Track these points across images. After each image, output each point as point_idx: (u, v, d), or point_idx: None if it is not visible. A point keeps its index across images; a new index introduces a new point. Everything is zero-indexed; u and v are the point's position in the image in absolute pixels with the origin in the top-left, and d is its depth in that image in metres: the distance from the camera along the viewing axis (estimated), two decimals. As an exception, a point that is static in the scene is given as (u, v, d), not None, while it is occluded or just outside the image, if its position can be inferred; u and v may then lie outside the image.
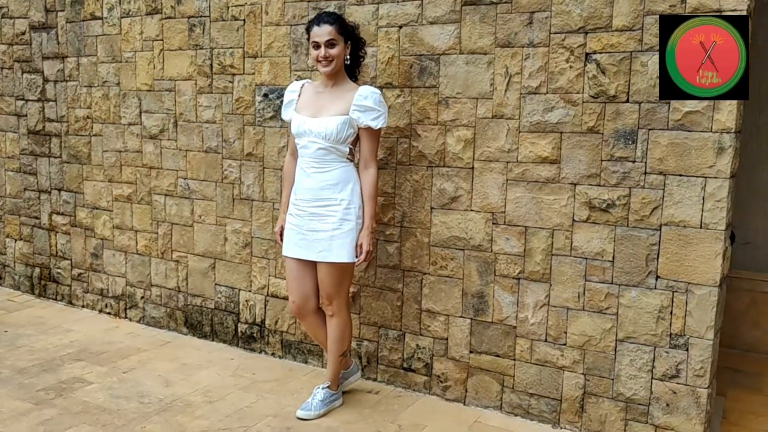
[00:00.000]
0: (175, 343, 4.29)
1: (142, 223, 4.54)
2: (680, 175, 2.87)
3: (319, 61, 3.17)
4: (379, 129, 3.20)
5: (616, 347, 3.08)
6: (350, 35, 3.23)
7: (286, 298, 3.95)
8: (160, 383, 3.66)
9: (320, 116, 3.18)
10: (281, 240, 3.40)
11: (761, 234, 4.35)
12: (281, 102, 3.56)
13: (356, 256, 3.19)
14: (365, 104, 3.13)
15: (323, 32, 3.13)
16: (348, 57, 3.23)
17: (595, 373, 3.13)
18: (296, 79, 3.64)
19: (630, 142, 2.95)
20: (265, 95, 3.91)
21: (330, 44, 3.14)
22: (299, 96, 3.32)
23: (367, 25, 3.49)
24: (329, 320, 3.33)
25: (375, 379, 3.73)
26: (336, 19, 3.19)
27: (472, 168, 3.33)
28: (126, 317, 4.71)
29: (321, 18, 3.18)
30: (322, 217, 3.18)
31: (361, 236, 3.19)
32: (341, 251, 3.17)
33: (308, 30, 3.22)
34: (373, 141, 3.21)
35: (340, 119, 3.13)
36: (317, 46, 3.15)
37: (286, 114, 3.37)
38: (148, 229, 4.51)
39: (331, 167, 3.18)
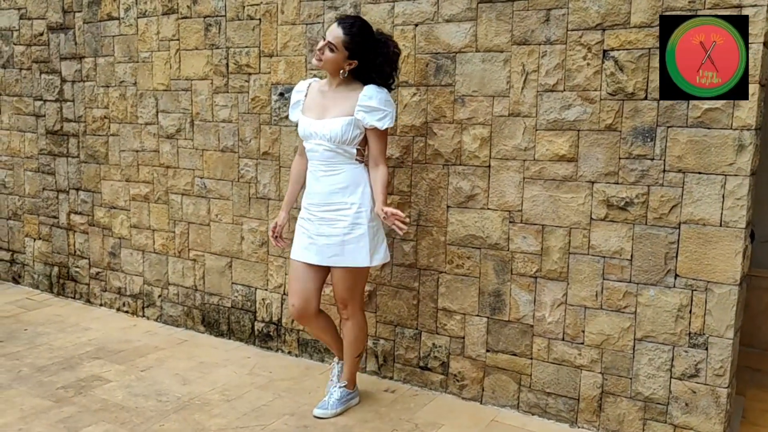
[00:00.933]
0: (193, 341, 4.31)
1: (159, 223, 4.56)
2: (699, 173, 2.84)
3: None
4: (386, 129, 3.13)
5: (634, 346, 3.05)
6: (361, 55, 3.08)
7: (302, 297, 3.97)
8: (177, 381, 3.68)
9: (325, 117, 3.13)
10: (273, 238, 3.40)
11: (781, 232, 4.30)
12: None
13: (399, 229, 2.99)
14: (370, 104, 3.06)
15: (331, 33, 3.05)
16: (345, 72, 3.09)
17: (613, 373, 3.11)
18: (302, 79, 3.62)
19: (648, 140, 2.93)
20: (281, 94, 3.92)
21: (329, 47, 3.05)
22: (305, 96, 3.28)
23: (383, 24, 3.48)
24: (344, 323, 3.32)
25: (391, 378, 3.73)
26: (351, 30, 3.04)
27: (489, 166, 3.32)
28: (143, 316, 4.74)
29: (343, 19, 3.09)
30: (333, 222, 3.14)
31: (379, 209, 3.05)
32: (353, 255, 3.14)
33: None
34: (381, 141, 3.14)
35: (345, 120, 3.08)
36: (323, 39, 3.09)
37: (293, 115, 3.34)
38: (165, 228, 4.54)
39: (340, 169, 3.15)
